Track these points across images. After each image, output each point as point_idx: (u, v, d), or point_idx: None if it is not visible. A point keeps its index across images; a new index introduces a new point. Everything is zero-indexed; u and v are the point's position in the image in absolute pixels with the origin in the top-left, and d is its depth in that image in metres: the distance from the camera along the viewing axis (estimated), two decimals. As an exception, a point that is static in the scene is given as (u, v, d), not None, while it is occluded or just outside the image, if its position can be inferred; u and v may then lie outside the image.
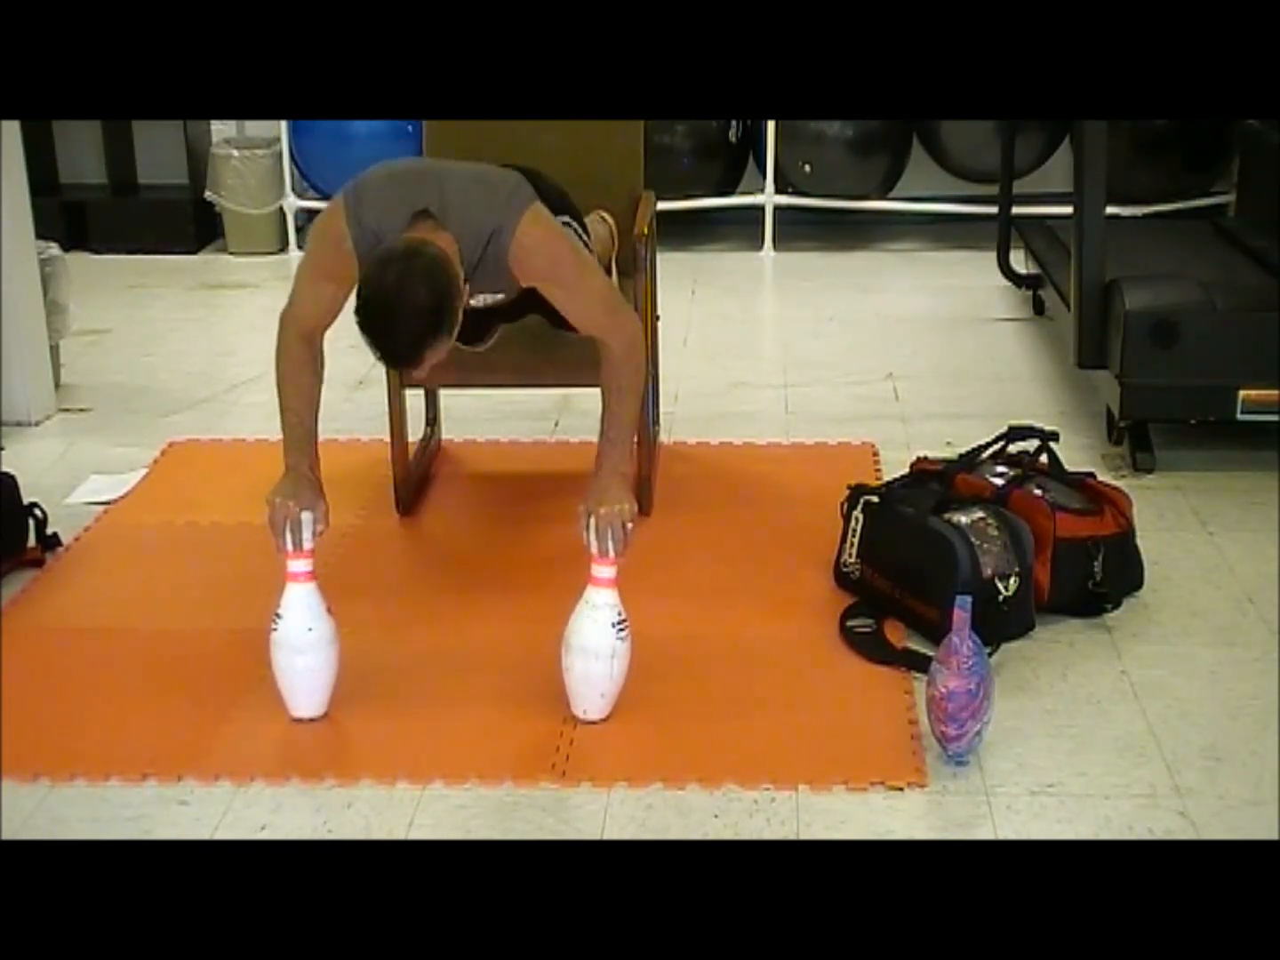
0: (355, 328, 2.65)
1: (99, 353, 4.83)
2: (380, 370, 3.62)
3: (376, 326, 2.60)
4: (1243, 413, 3.72)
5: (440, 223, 2.74)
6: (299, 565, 2.74)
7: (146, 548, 3.51)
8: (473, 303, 2.88)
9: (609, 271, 3.41)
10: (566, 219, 3.05)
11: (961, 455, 3.32)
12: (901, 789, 2.57)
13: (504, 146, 3.68)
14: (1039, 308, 5.01)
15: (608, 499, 2.75)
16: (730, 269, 5.78)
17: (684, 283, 5.38)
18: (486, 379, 3.62)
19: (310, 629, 2.73)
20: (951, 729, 2.60)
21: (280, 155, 5.93)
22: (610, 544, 2.70)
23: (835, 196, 5.87)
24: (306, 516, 2.75)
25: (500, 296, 2.96)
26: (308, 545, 2.75)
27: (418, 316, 2.59)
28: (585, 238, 3.16)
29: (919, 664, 2.85)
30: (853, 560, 3.17)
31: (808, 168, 5.81)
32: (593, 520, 2.72)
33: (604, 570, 2.72)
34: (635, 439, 2.94)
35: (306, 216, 6.14)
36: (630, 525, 2.74)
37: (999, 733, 2.69)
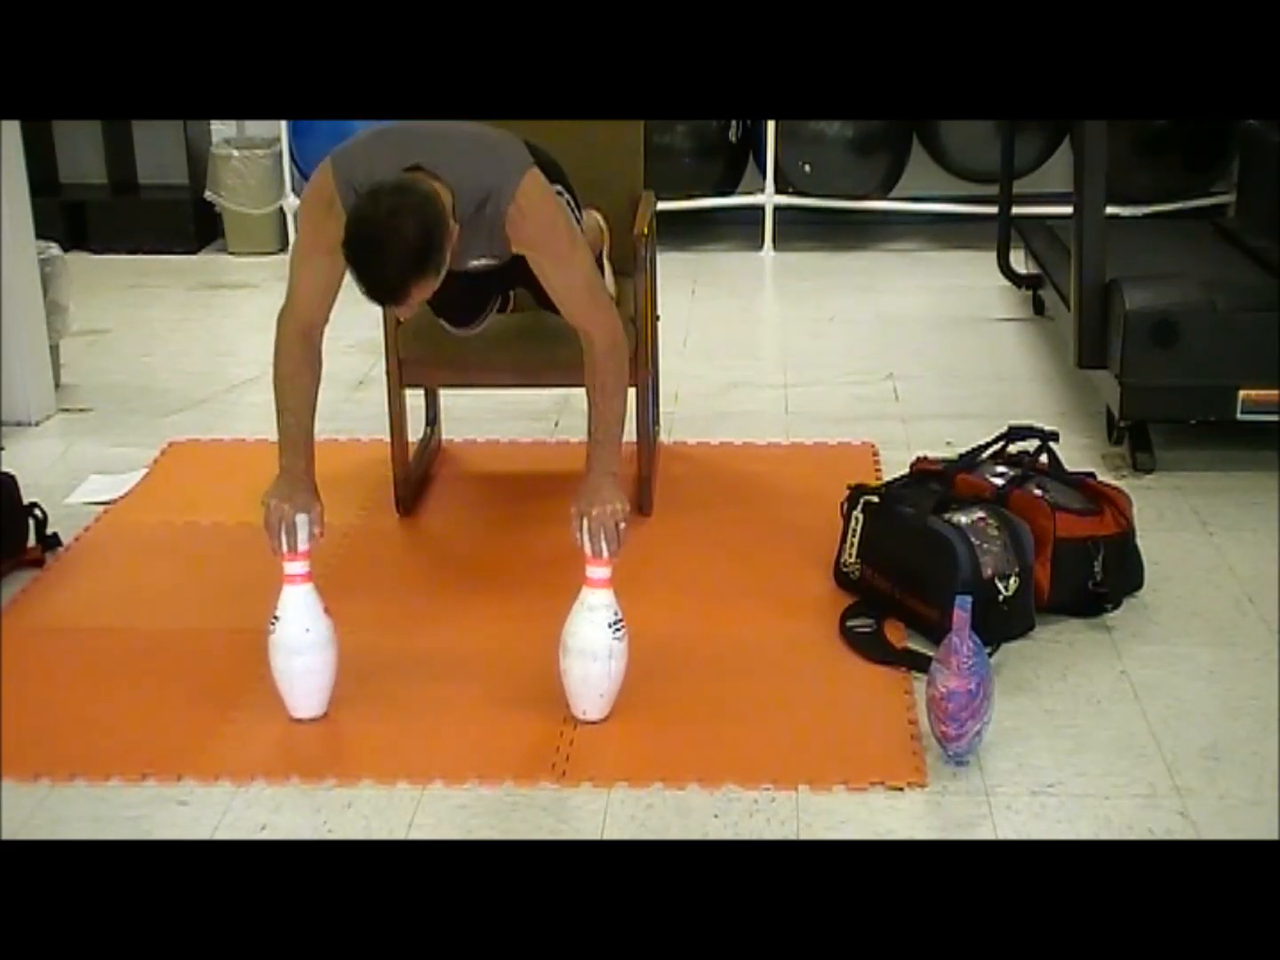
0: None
1: (99, 353, 4.83)
2: (380, 370, 3.62)
3: (364, 259, 2.57)
4: (1243, 413, 3.72)
5: (434, 176, 2.70)
6: (295, 567, 2.74)
7: (146, 548, 3.51)
8: (463, 264, 2.85)
9: (600, 265, 3.40)
10: (560, 189, 3.02)
11: (961, 455, 3.32)
12: (901, 789, 2.57)
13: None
14: (1039, 308, 5.01)
15: (599, 499, 2.74)
16: (730, 269, 5.78)
17: (684, 283, 5.38)
18: (486, 379, 3.62)
19: (308, 630, 2.73)
20: (951, 729, 2.60)
21: (280, 155, 5.93)
22: (604, 544, 2.70)
23: (835, 196, 5.87)
24: (301, 519, 2.75)
25: (492, 261, 2.91)
26: (303, 547, 2.75)
27: (406, 251, 2.56)
28: (578, 214, 3.12)
29: (919, 664, 2.85)
30: (853, 560, 3.17)
31: (808, 168, 5.81)
32: (585, 522, 2.72)
33: (598, 571, 2.71)
34: (622, 438, 2.92)
35: (306, 216, 6.15)
36: (623, 525, 2.73)
37: (999, 733, 2.69)
